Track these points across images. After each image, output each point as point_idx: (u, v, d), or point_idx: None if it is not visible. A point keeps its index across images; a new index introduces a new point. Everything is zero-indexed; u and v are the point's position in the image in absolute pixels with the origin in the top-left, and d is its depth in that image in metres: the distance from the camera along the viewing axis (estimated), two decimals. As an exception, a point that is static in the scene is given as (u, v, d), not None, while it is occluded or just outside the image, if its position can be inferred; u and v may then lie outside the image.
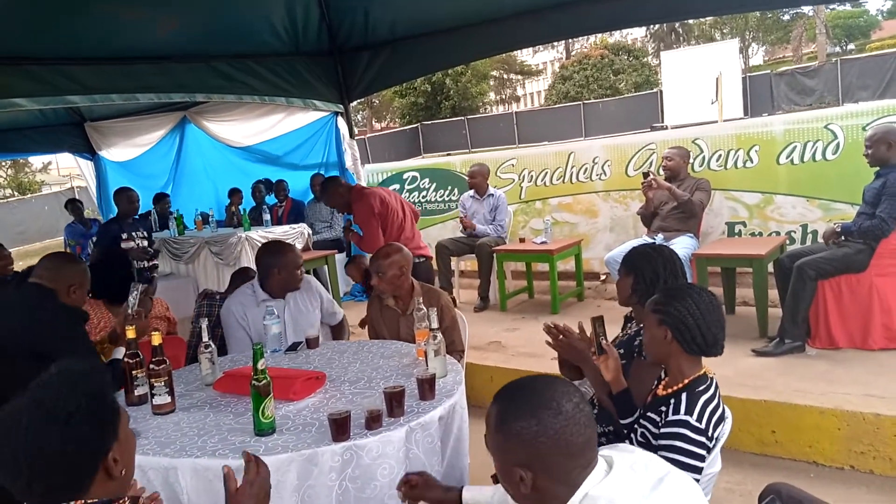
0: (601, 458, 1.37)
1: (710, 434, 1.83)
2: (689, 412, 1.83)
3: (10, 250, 5.56)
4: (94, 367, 1.32)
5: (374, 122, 41.05)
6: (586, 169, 6.22)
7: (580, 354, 2.31)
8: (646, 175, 5.08)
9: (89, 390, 1.23)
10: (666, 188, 4.98)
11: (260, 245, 5.97)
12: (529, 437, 1.30)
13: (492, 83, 39.37)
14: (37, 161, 29.18)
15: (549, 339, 2.41)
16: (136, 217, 5.54)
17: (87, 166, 9.12)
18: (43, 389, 1.21)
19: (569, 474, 1.31)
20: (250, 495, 1.48)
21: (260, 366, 2.07)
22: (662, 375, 2.06)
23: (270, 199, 7.52)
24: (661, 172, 5.31)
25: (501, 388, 1.43)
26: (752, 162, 5.35)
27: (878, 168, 3.94)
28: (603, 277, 6.18)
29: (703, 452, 1.81)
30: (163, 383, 2.33)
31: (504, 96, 43.86)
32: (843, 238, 4.01)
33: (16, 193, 26.45)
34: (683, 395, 1.87)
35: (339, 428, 2.00)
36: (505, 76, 42.50)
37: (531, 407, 1.32)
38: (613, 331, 2.56)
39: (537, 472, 1.31)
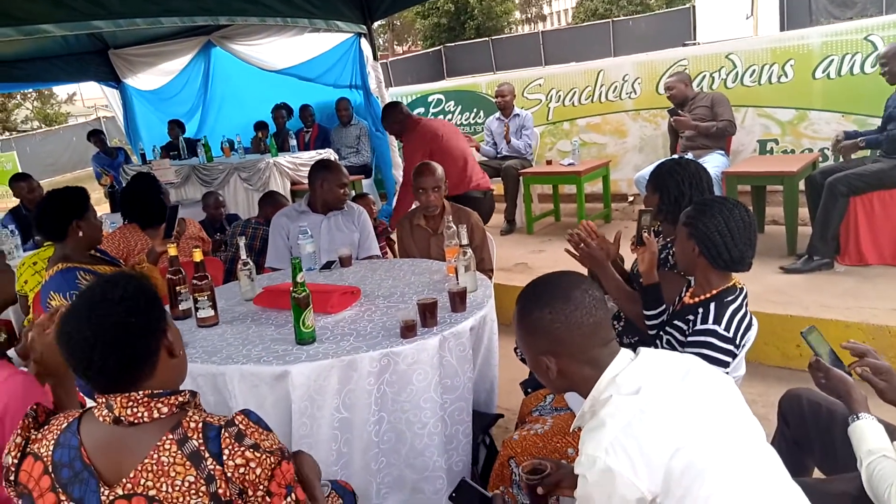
0: (625, 351, 1.44)
1: (737, 342, 1.89)
2: (717, 321, 1.88)
3: (43, 181, 5.69)
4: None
5: (395, 46, 40.10)
6: (616, 87, 6.09)
7: (597, 262, 2.39)
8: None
9: (129, 282, 1.28)
10: (692, 127, 4.85)
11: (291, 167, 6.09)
12: (545, 324, 1.41)
13: (517, 1, 37.91)
14: (62, 92, 29.30)
15: (570, 248, 2.47)
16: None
17: (113, 95, 9.10)
18: (88, 291, 1.27)
19: (588, 353, 1.41)
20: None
21: (299, 279, 2.15)
22: (691, 283, 2.10)
23: (291, 124, 7.50)
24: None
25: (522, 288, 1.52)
26: (786, 77, 5.20)
27: None
28: (631, 199, 6.15)
29: (729, 359, 1.88)
30: (206, 297, 2.43)
31: (530, 15, 42.32)
32: (865, 149, 3.94)
33: (42, 125, 26.63)
34: (712, 305, 1.92)
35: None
36: (531, -6, 40.89)
37: (544, 298, 1.43)
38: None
39: (559, 355, 1.41)
